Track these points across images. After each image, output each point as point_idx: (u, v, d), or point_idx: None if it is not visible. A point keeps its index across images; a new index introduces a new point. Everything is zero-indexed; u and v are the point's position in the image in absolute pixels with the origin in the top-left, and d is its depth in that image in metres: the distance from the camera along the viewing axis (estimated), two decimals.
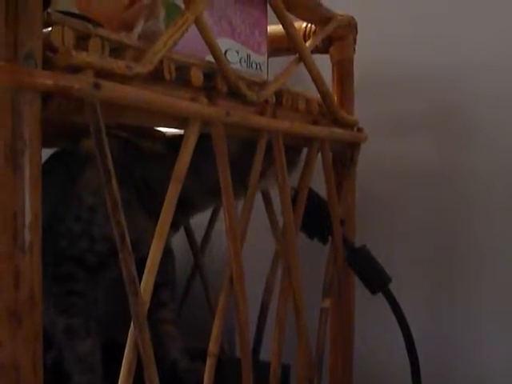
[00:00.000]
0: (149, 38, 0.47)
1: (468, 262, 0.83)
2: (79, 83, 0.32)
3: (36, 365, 0.31)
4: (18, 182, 0.30)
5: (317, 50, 0.76)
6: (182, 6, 0.47)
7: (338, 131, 0.66)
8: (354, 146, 0.72)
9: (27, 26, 0.30)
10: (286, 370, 0.69)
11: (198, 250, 0.81)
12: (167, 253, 0.69)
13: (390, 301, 0.68)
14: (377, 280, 0.69)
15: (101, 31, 0.36)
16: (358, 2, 0.84)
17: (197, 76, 0.44)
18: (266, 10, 0.61)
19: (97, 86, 0.33)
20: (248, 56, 0.58)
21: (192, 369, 0.69)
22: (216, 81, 0.47)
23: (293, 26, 0.56)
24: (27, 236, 0.30)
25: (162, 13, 0.47)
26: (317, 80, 0.61)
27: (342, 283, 0.70)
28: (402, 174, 0.88)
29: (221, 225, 0.93)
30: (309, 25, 0.75)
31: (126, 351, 0.39)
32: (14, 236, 0.30)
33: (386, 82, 0.89)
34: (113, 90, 0.34)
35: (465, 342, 0.82)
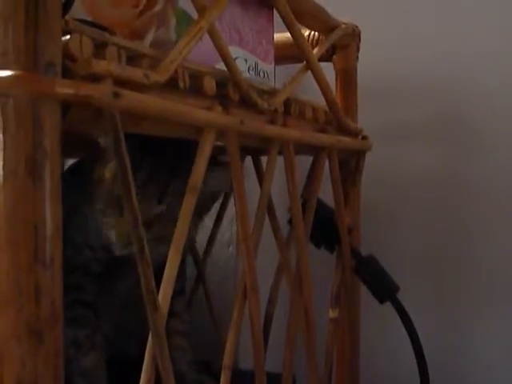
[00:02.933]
0: (160, 46, 0.46)
1: (470, 269, 0.83)
2: (99, 92, 0.31)
3: (57, 383, 0.30)
4: (39, 194, 0.29)
5: (320, 58, 0.75)
6: (193, 14, 0.47)
7: (345, 139, 0.66)
8: (359, 154, 0.72)
9: (47, 34, 0.29)
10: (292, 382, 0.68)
11: (200, 260, 0.80)
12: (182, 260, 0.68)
13: (399, 309, 0.68)
14: (385, 289, 0.68)
15: (117, 39, 0.36)
16: (355, 10, 0.84)
17: (210, 85, 0.44)
18: (273, 19, 0.60)
19: (116, 95, 0.32)
20: (256, 64, 0.58)
21: (199, 381, 0.68)
22: (228, 89, 0.46)
23: (301, 34, 0.56)
24: (48, 249, 0.30)
25: (172, 21, 0.47)
26: (325, 88, 0.61)
27: (349, 293, 0.69)
28: (402, 183, 0.88)
29: (223, 234, 0.92)
30: (311, 33, 0.75)
31: (144, 366, 0.38)
32: (35, 249, 0.29)
33: (385, 90, 0.89)
34: (132, 99, 0.33)
35: (473, 350, 0.82)
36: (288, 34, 0.55)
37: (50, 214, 0.30)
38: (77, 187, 0.67)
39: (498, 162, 0.82)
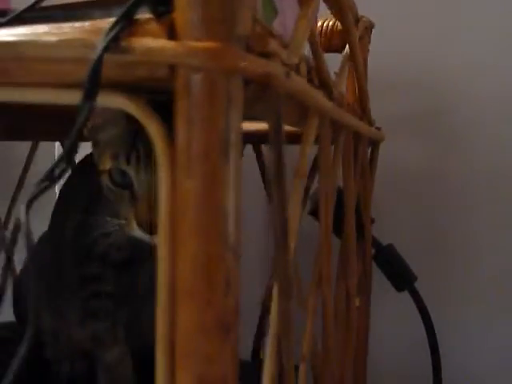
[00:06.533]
0: None
1: (456, 259, 0.86)
2: (277, 71, 0.29)
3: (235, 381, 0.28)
4: (227, 177, 0.27)
5: (331, 48, 0.75)
6: None
7: (372, 129, 0.66)
8: (374, 144, 0.72)
9: (241, 5, 0.27)
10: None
11: None
12: None
13: (416, 299, 0.69)
14: (403, 278, 0.69)
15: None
16: None
17: (303, 70, 0.43)
18: None
19: (288, 75, 0.30)
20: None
21: None
22: (312, 74, 0.45)
23: (353, 24, 0.56)
24: (235, 236, 0.27)
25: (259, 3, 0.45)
26: (362, 76, 0.61)
27: (368, 281, 0.70)
28: (389, 177, 0.89)
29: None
30: (325, 23, 0.75)
31: (267, 360, 0.36)
32: (225, 237, 0.27)
33: (372, 86, 0.90)
34: (296, 81, 0.31)
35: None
36: None
37: (236, 199, 0.28)
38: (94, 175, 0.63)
39: (478, 155, 0.85)
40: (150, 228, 0.48)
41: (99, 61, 0.26)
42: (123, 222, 0.51)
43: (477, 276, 0.82)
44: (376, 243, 0.70)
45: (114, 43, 0.27)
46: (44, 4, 0.31)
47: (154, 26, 0.27)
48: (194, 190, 0.27)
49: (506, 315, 0.81)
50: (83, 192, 0.64)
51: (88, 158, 0.71)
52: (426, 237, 0.85)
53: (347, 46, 0.58)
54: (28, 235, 0.27)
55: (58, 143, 0.96)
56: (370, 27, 0.74)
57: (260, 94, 0.31)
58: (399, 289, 0.69)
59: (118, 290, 0.61)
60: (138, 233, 0.49)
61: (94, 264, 0.60)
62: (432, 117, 0.88)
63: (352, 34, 0.55)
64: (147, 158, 0.48)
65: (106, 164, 0.51)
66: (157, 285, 0.28)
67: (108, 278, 0.61)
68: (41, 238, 0.75)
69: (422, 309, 0.69)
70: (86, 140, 0.72)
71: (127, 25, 0.27)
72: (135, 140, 0.49)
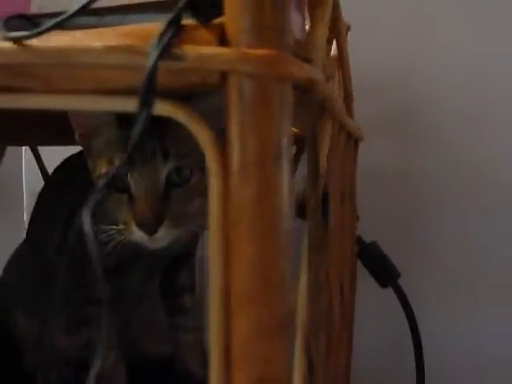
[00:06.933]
0: None
1: (425, 257, 0.88)
2: (319, 76, 0.30)
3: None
4: (281, 182, 0.27)
5: None
6: None
7: (357, 129, 0.67)
8: (356, 143, 0.74)
9: (289, 12, 0.28)
10: None
11: None
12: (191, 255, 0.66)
13: (400, 295, 0.71)
14: (387, 274, 0.71)
15: None
16: None
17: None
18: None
19: (327, 80, 0.31)
20: None
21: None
22: None
23: (344, 26, 0.57)
24: (289, 239, 0.28)
25: None
26: (348, 74, 0.62)
27: (353, 278, 0.71)
28: (361, 175, 0.91)
29: None
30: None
31: (297, 360, 0.37)
32: (280, 240, 0.27)
33: None
34: (326, 85, 0.32)
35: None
36: None
37: (290, 204, 0.28)
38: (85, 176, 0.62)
39: (449, 153, 0.88)
40: (153, 229, 0.47)
41: (154, 68, 0.26)
42: (122, 226, 0.50)
43: (455, 268, 0.85)
44: (360, 241, 0.71)
45: (166, 50, 0.26)
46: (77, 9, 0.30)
47: (203, 33, 0.27)
48: (250, 196, 0.27)
49: (489, 310, 0.83)
50: (65, 202, 0.63)
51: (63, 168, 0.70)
52: (405, 234, 0.87)
53: (335, 47, 0.59)
54: (93, 242, 0.27)
55: (24, 148, 0.93)
56: (346, 29, 0.76)
57: (301, 100, 0.31)
58: (383, 285, 0.71)
59: (109, 296, 0.60)
60: (138, 235, 0.48)
61: (85, 271, 0.59)
62: (405, 116, 0.90)
63: (342, 36, 0.56)
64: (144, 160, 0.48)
65: (102, 169, 0.50)
66: (209, 291, 0.28)
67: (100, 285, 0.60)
68: (18, 248, 0.73)
69: (405, 304, 0.71)
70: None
71: (177, 31, 0.27)
72: (128, 143, 0.48)
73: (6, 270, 0.72)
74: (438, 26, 0.87)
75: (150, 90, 0.26)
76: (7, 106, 0.28)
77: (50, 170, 0.84)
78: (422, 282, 0.84)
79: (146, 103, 0.26)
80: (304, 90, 0.30)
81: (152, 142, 0.48)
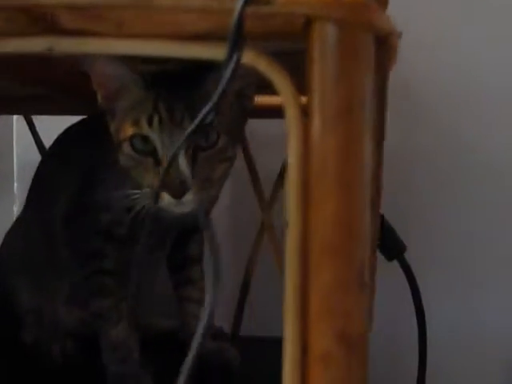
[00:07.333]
0: None
1: (414, 237, 0.88)
2: (395, 29, 0.29)
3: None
4: (366, 132, 0.27)
5: None
6: None
7: None
8: None
9: None
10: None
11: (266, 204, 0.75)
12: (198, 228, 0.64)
13: (405, 268, 0.71)
14: (394, 247, 0.71)
15: None
16: None
17: None
18: None
19: (401, 35, 0.30)
20: None
21: (216, 350, 0.65)
22: None
23: None
24: (370, 191, 0.27)
25: None
26: None
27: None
28: None
29: None
30: None
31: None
32: (363, 191, 0.27)
33: None
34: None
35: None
36: None
37: (372, 154, 0.27)
38: (93, 145, 0.60)
39: (441, 133, 0.89)
40: (182, 193, 0.46)
41: (242, 11, 0.25)
42: (147, 191, 0.49)
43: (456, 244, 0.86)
44: None
45: None
46: None
47: None
48: (336, 146, 0.26)
49: (489, 279, 0.85)
50: (72, 171, 0.61)
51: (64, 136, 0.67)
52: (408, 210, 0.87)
53: None
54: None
55: (16, 117, 0.90)
56: None
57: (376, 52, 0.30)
58: (389, 258, 0.71)
59: (119, 267, 0.59)
60: (164, 199, 0.47)
61: (96, 241, 0.58)
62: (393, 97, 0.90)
63: None
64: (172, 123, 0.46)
65: (127, 132, 0.48)
66: (286, 246, 0.27)
67: (110, 255, 0.58)
68: (18, 218, 0.71)
69: (410, 278, 0.71)
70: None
71: None
72: (157, 102, 0.47)
73: (6, 239, 0.70)
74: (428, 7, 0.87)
75: (239, 35, 0.25)
76: (78, 50, 0.27)
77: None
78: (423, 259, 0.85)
79: (235, 47, 0.25)
80: (381, 41, 0.29)
81: (180, 105, 0.47)
